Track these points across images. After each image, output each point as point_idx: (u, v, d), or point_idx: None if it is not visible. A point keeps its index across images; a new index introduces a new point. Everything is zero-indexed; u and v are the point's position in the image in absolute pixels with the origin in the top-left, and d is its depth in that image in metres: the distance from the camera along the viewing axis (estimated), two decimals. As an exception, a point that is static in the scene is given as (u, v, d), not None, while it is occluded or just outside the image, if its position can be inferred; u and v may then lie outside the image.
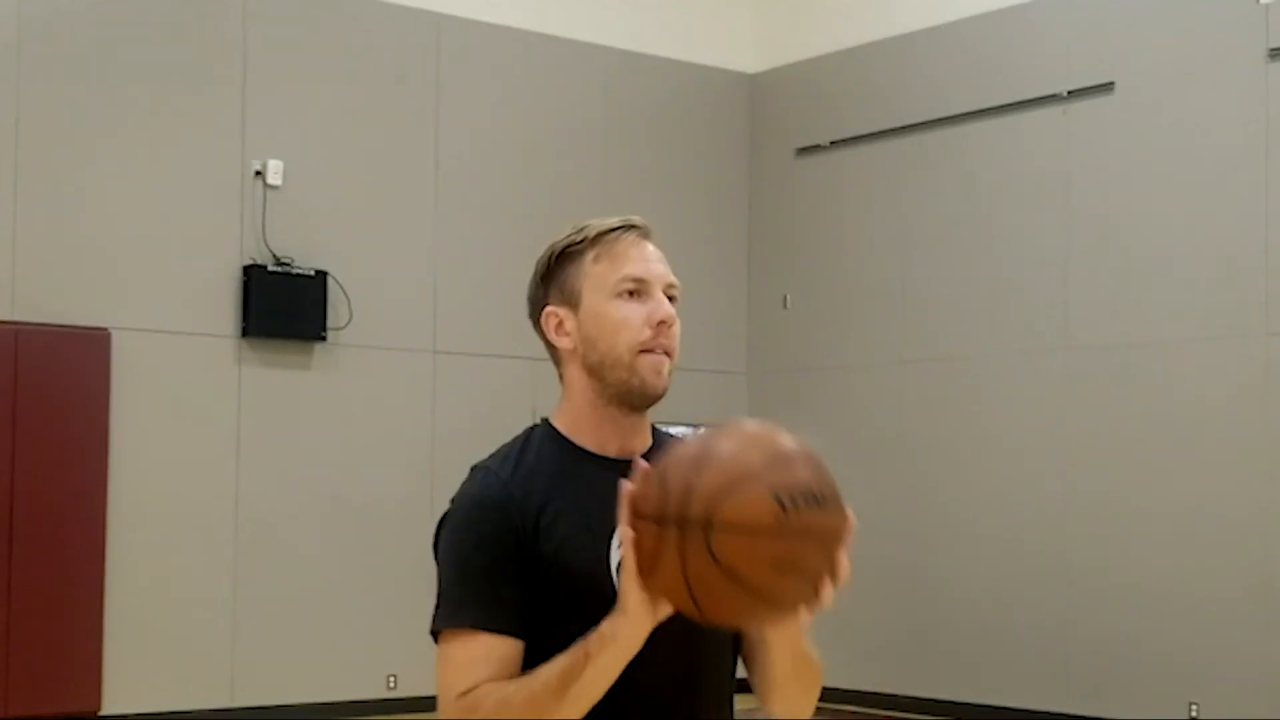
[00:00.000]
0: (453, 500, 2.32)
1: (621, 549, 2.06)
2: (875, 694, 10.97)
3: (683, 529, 1.97)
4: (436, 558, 2.32)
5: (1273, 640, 9.10)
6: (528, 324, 2.43)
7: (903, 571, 10.95)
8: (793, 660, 2.27)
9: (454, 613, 2.24)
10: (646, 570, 2.02)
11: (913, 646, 10.89)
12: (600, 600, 2.15)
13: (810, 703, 2.37)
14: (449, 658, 2.23)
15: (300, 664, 10.12)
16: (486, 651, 2.19)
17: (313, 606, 10.17)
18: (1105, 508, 9.88)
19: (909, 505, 10.96)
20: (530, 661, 2.21)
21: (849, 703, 11.01)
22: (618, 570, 2.22)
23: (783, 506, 1.97)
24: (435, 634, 2.27)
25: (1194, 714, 9.34)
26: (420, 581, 11.75)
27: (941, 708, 10.63)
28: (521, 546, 2.21)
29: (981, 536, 10.53)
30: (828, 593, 2.07)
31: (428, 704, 10.32)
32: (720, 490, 1.97)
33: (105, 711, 9.46)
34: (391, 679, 10.38)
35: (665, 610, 2.08)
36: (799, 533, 1.99)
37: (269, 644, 10.01)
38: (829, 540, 2.04)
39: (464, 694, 2.18)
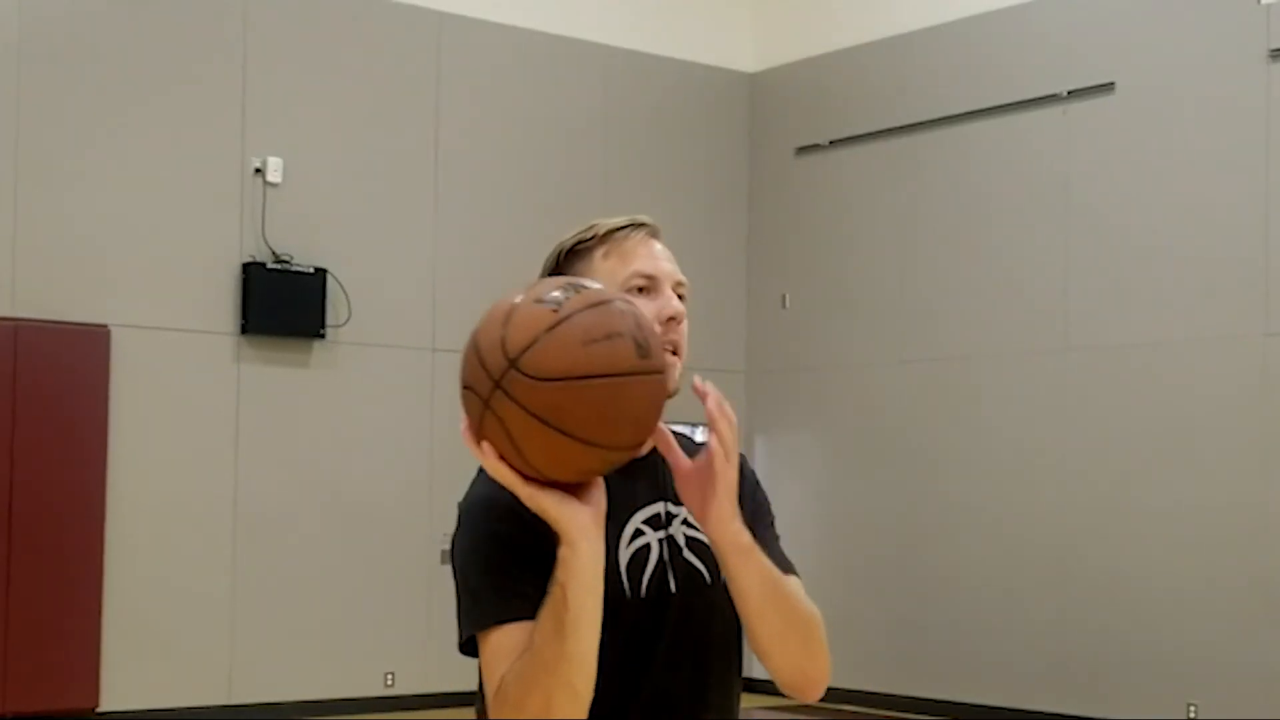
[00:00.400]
0: (460, 505, 2.30)
1: (519, 491, 2.03)
2: (873, 693, 10.97)
3: (501, 386, 1.97)
4: (454, 567, 2.27)
5: (1270, 641, 9.10)
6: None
7: (901, 571, 10.95)
8: (761, 584, 2.18)
9: (477, 615, 2.19)
10: (521, 455, 1.99)
11: (910, 646, 10.89)
12: (610, 598, 2.12)
13: (810, 656, 2.26)
14: (484, 663, 2.18)
15: (298, 661, 10.12)
16: (516, 642, 2.14)
17: (311, 603, 10.17)
18: (1104, 508, 9.88)
19: (907, 504, 10.96)
20: None
21: (846, 702, 11.00)
22: (628, 569, 2.23)
23: (552, 304, 1.99)
24: (466, 645, 2.21)
25: (1192, 714, 9.34)
26: (418, 579, 11.75)
27: (939, 707, 10.63)
28: (537, 542, 2.17)
29: (980, 536, 10.53)
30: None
31: (425, 701, 10.33)
32: (496, 337, 1.99)
33: (103, 708, 9.46)
34: (389, 676, 10.38)
35: (591, 499, 2.04)
36: (582, 308, 2.00)
37: (267, 641, 10.01)
38: (616, 298, 2.05)
39: (496, 691, 2.13)
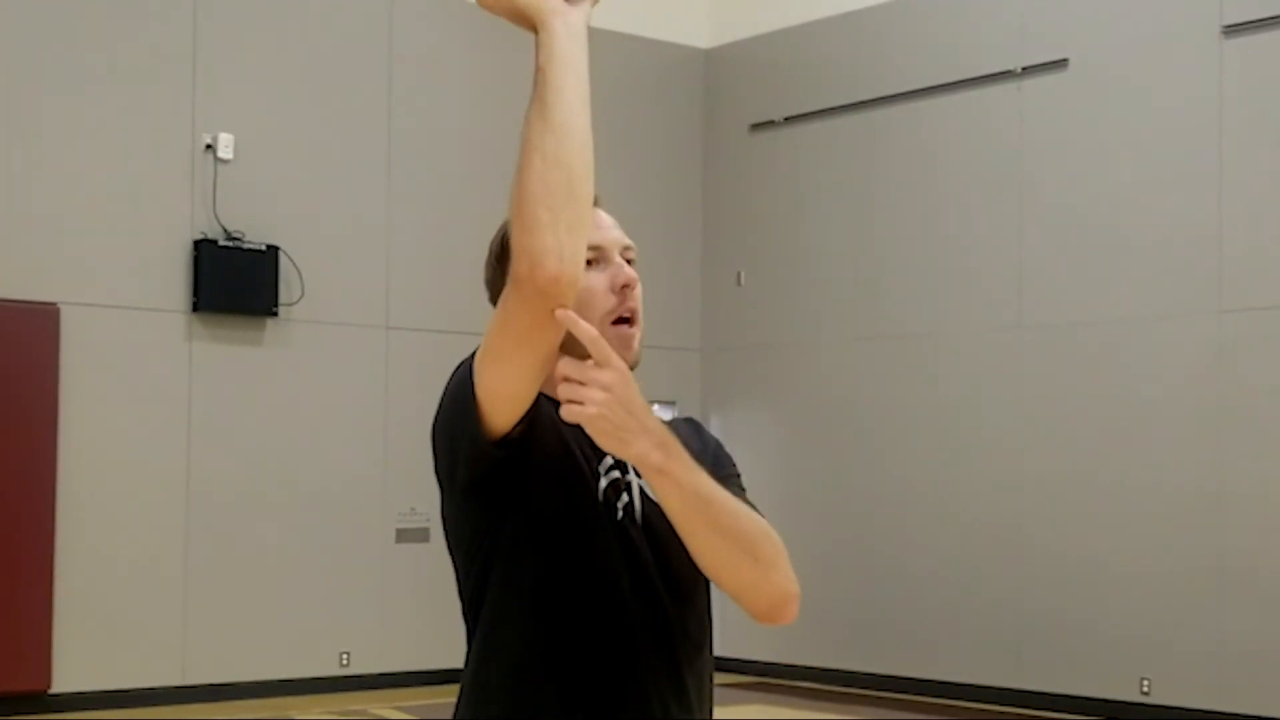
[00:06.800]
0: (458, 369, 2.31)
1: None
2: (830, 670, 11.00)
3: None
4: (458, 379, 2.31)
5: (1223, 618, 9.16)
6: (481, 299, 2.39)
7: (857, 548, 10.97)
8: (683, 501, 2.11)
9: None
10: None
11: (867, 623, 10.92)
12: (589, 518, 2.17)
13: (763, 572, 2.18)
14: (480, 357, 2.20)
15: (252, 641, 10.07)
16: None
17: (264, 583, 10.12)
18: (1059, 485, 9.92)
19: (863, 482, 10.99)
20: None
21: (803, 679, 11.04)
22: (604, 493, 2.22)
23: None
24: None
25: (1145, 690, 9.40)
26: (373, 558, 11.66)
27: (895, 683, 10.67)
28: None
29: (936, 513, 10.57)
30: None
31: (380, 681, 10.29)
32: None
33: (55, 689, 9.39)
34: (344, 656, 10.34)
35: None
36: None
37: (220, 621, 9.96)
38: None
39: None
